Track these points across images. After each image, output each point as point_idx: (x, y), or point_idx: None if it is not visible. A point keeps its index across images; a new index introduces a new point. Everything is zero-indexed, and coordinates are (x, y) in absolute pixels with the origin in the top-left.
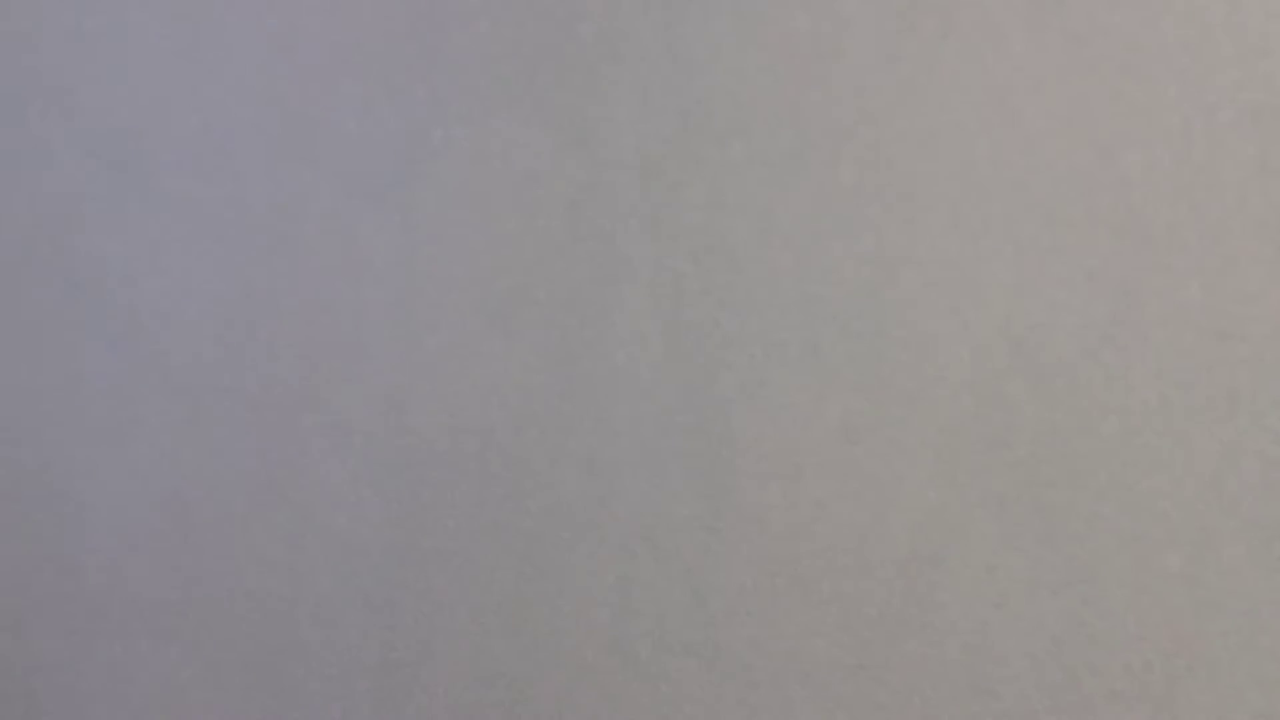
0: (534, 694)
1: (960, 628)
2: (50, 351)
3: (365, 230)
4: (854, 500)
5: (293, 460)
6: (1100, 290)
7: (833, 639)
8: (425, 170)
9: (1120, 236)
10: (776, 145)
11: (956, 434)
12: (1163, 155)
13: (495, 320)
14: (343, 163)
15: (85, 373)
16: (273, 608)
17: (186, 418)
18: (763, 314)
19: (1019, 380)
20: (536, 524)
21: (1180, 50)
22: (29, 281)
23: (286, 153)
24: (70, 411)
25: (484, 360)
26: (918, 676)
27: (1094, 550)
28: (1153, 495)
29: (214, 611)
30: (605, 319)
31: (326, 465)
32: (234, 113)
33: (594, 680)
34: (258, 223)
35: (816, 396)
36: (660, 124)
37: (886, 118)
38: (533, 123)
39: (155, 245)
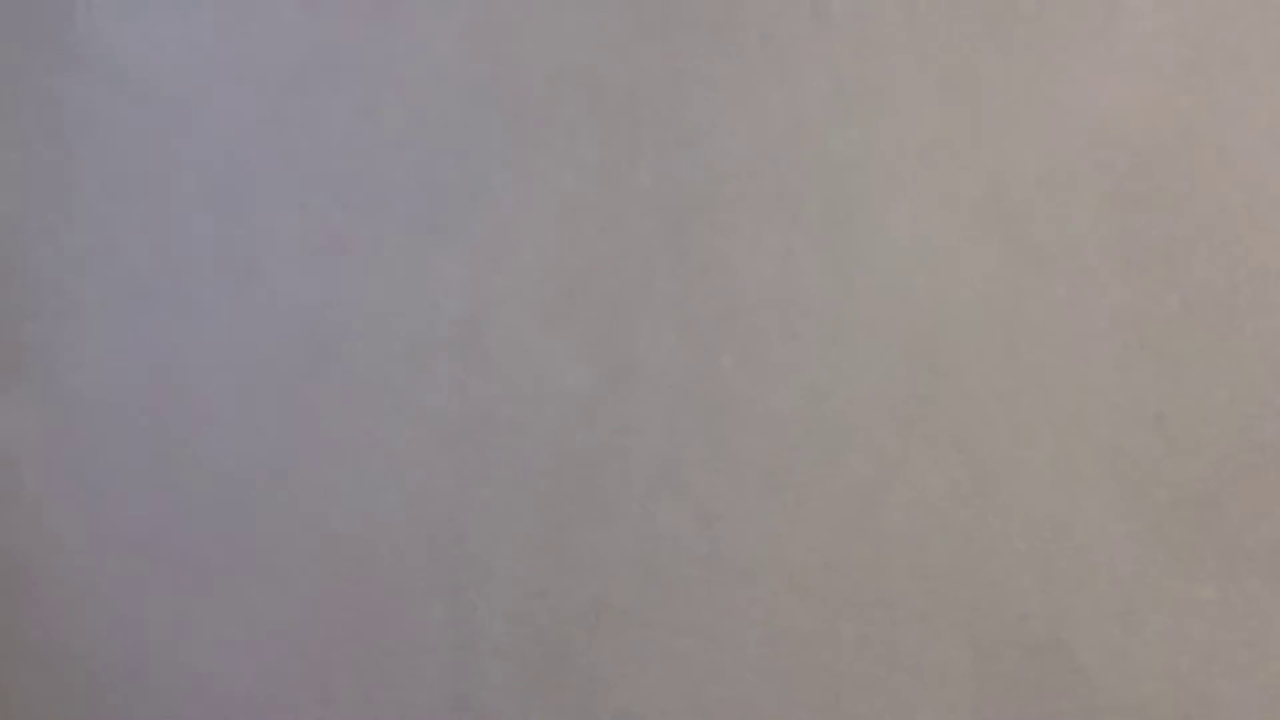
0: (572, 601)
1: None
2: (202, 331)
3: (436, 255)
4: (820, 441)
5: (375, 431)
6: None
7: (809, 544)
8: (485, 206)
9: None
10: (761, 188)
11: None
12: None
13: (543, 321)
14: (419, 203)
15: (232, 347)
16: (357, 549)
17: (298, 403)
18: (752, 312)
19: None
20: (576, 472)
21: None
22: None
23: (373, 196)
24: (212, 382)
25: (534, 352)
26: (883, 572)
27: None
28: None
29: (312, 551)
30: (631, 319)
31: (404, 433)
32: (328, 163)
33: (621, 587)
34: (348, 246)
35: (793, 366)
36: (671, 167)
37: (842, 167)
38: (570, 166)
39: (268, 261)
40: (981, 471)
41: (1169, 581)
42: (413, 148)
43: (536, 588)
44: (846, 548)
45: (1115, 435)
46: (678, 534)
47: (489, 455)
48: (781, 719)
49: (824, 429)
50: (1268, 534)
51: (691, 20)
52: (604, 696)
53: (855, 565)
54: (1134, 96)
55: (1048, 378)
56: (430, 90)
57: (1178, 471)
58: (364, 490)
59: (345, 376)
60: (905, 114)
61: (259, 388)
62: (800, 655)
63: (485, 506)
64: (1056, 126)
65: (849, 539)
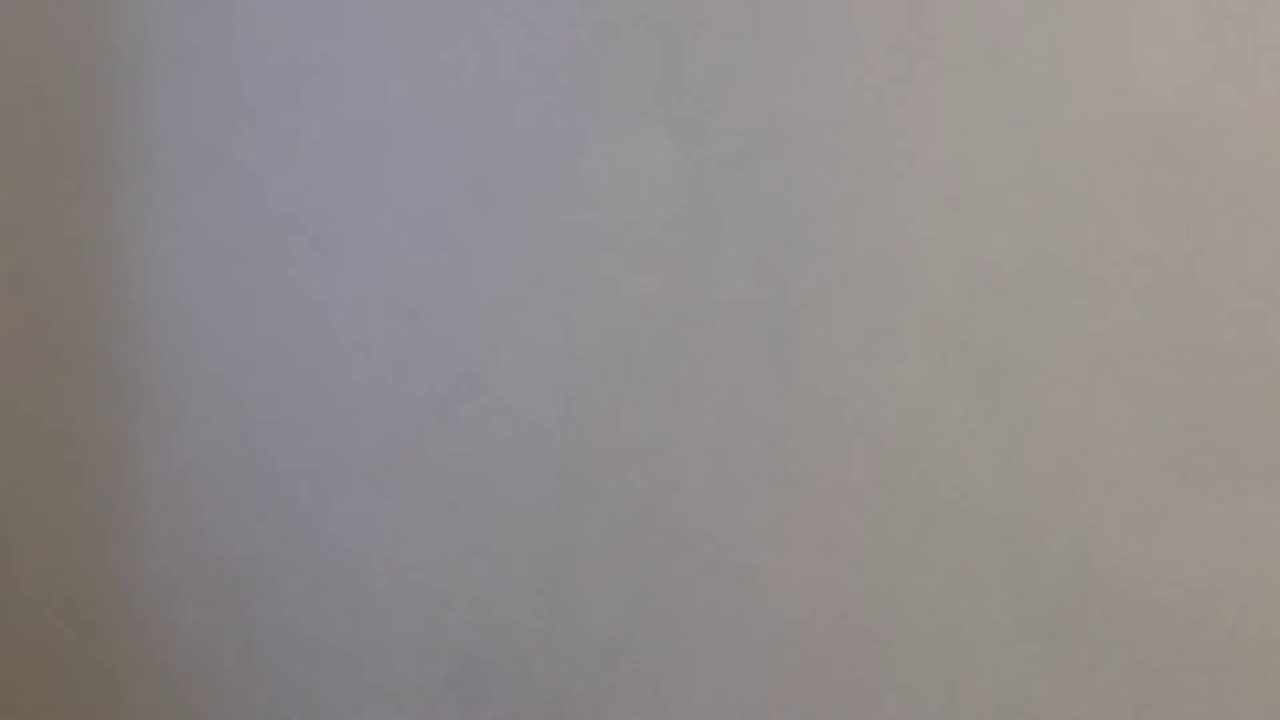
0: (647, 522)
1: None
2: (300, 313)
3: (543, 210)
4: (873, 372)
5: (486, 381)
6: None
7: (865, 466)
8: (588, 165)
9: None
10: (822, 146)
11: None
12: None
13: (632, 262)
14: (529, 162)
15: (326, 309)
16: (471, 476)
17: (416, 359)
18: (815, 256)
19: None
20: (663, 406)
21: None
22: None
23: (482, 151)
24: (319, 342)
25: (620, 284)
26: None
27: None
28: None
29: (432, 475)
30: (708, 261)
31: (511, 387)
32: (445, 122)
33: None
34: (459, 208)
35: (851, 305)
36: (746, 129)
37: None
38: (660, 132)
39: (384, 220)
40: (1016, 401)
41: (1181, 499)
42: (522, 104)
43: (625, 502)
44: (897, 469)
45: (1135, 368)
46: (743, 451)
47: (586, 399)
48: (840, 616)
49: (878, 361)
50: (1269, 457)
51: None
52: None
53: (904, 484)
54: (1157, 63)
55: (1075, 316)
56: (535, 54)
57: (1190, 400)
58: (481, 433)
59: (453, 309)
60: (952, 76)
61: (384, 339)
62: (856, 563)
63: (579, 447)
64: (1087, 90)
65: (899, 462)
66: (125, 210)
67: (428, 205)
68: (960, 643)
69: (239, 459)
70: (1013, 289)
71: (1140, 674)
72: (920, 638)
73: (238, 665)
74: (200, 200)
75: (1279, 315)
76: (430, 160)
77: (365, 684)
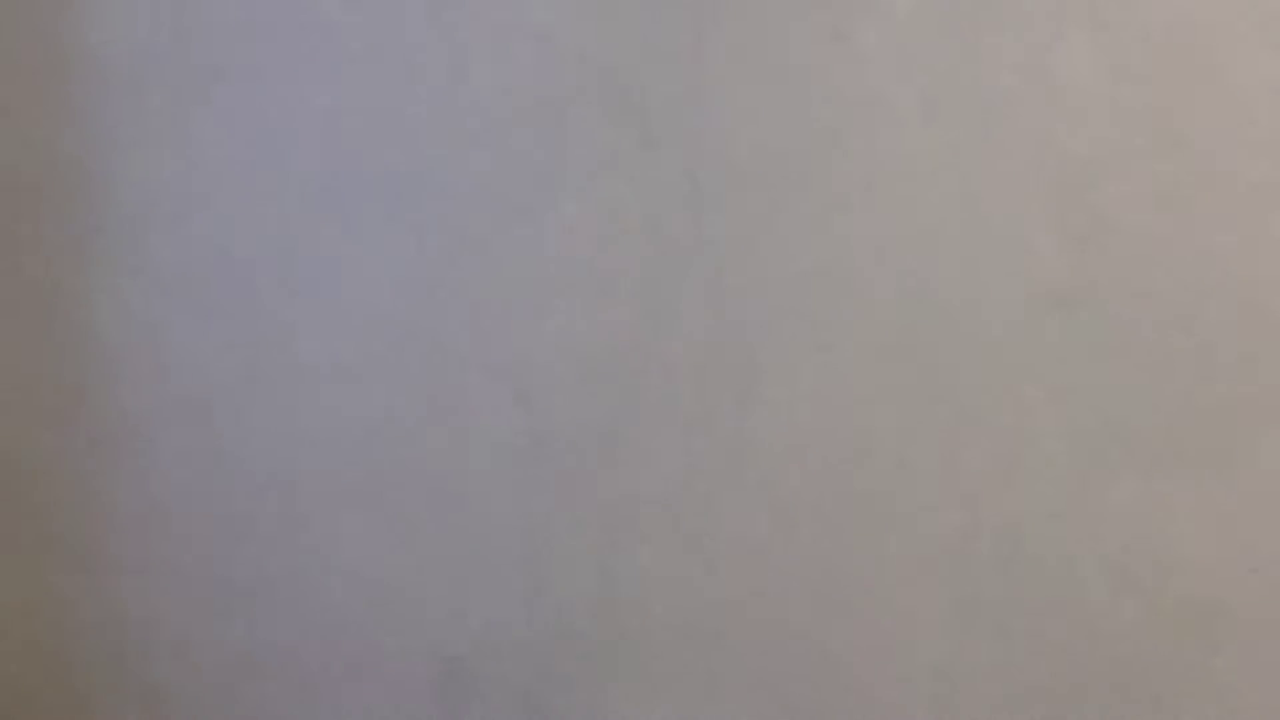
0: (615, 529)
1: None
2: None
3: (509, 246)
4: (828, 387)
5: (457, 406)
6: None
7: (820, 466)
8: (552, 204)
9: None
10: (769, 190)
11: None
12: None
13: (596, 295)
14: (494, 202)
15: (296, 342)
16: (445, 494)
17: (388, 390)
18: (768, 287)
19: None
20: (627, 426)
21: None
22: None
23: (448, 191)
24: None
25: (585, 316)
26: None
27: None
28: None
29: (407, 494)
30: (669, 294)
31: (482, 412)
32: (411, 165)
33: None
34: (425, 247)
35: (799, 326)
36: (701, 173)
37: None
38: (620, 175)
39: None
40: (952, 408)
41: (1098, 486)
42: (487, 147)
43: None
44: (847, 471)
45: (1055, 375)
46: (705, 462)
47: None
48: (798, 604)
49: (827, 377)
50: (1172, 447)
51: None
52: None
53: (853, 483)
54: (1069, 116)
55: (1001, 331)
56: (499, 99)
57: (1104, 400)
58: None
59: (429, 342)
60: (889, 127)
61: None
62: (812, 555)
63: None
64: (1009, 138)
65: (849, 463)
66: (93, 249)
67: (395, 244)
68: (906, 619)
69: (215, 482)
70: (945, 311)
71: (1066, 641)
72: (870, 615)
73: (216, 683)
74: (167, 244)
75: (1178, 327)
76: (397, 201)
77: (348, 692)
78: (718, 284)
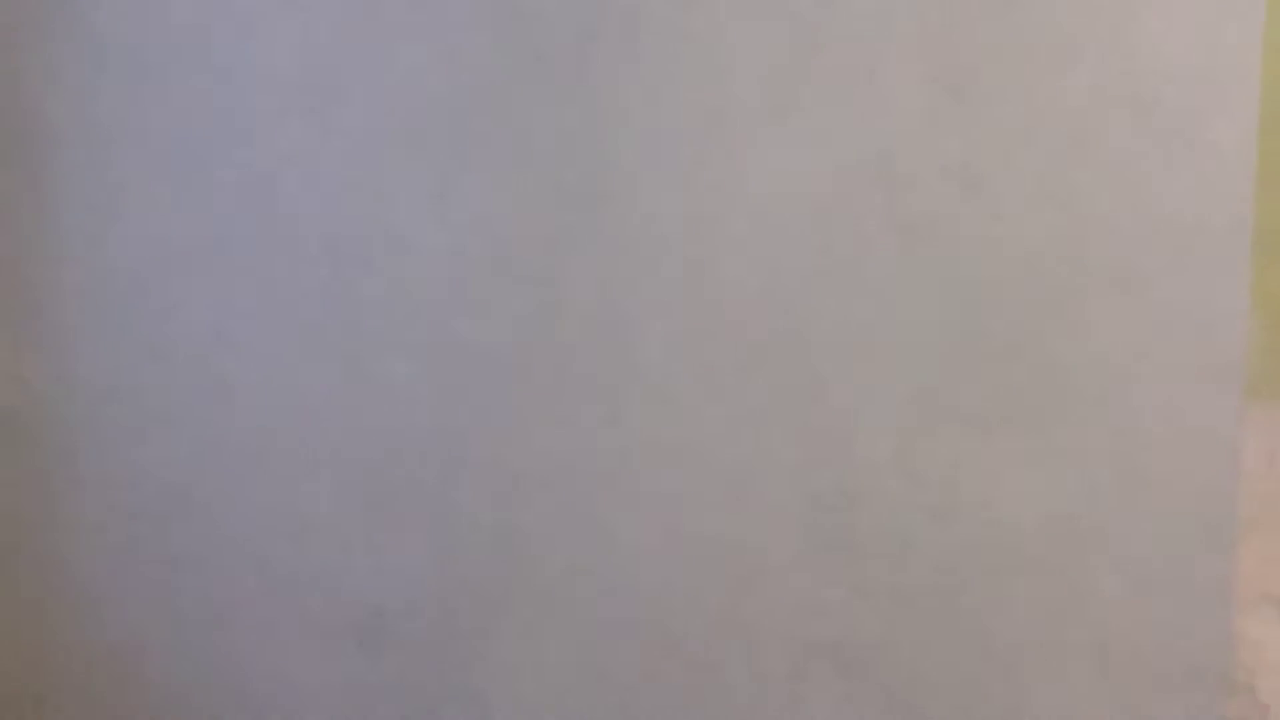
0: (515, 489)
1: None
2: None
3: (422, 239)
4: (703, 357)
5: (373, 380)
6: None
7: (703, 446)
8: (459, 203)
9: None
10: (649, 193)
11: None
12: None
13: (501, 280)
14: (412, 203)
15: (225, 333)
16: (367, 465)
17: (307, 363)
18: (647, 276)
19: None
20: (526, 396)
21: None
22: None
23: (370, 196)
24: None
25: (491, 299)
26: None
27: None
28: None
29: (335, 468)
30: (562, 279)
31: (396, 388)
32: (338, 168)
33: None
34: (349, 242)
35: (673, 308)
36: (594, 173)
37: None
38: (521, 176)
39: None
40: (802, 385)
41: (923, 446)
42: (405, 151)
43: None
44: (712, 435)
45: (890, 348)
46: (592, 425)
47: (466, 372)
48: (672, 555)
49: (695, 354)
50: (991, 410)
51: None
52: None
53: (718, 446)
54: (898, 126)
55: (848, 313)
56: (418, 110)
57: (933, 370)
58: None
59: (369, 325)
60: (744, 139)
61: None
62: (687, 516)
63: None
64: (844, 145)
65: (716, 430)
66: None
67: (322, 239)
68: (764, 565)
69: (138, 459)
70: (798, 295)
71: (895, 576)
72: (735, 566)
73: (160, 636)
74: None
75: (994, 304)
76: (322, 203)
77: (280, 639)
78: (603, 275)
